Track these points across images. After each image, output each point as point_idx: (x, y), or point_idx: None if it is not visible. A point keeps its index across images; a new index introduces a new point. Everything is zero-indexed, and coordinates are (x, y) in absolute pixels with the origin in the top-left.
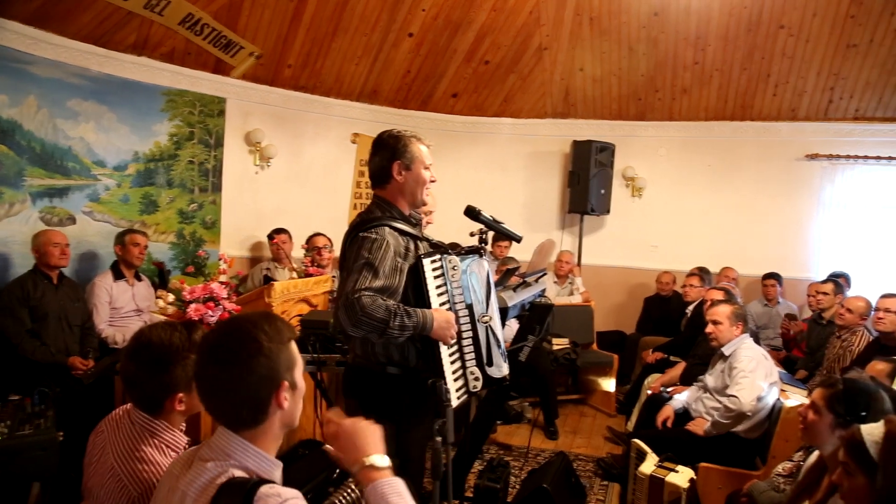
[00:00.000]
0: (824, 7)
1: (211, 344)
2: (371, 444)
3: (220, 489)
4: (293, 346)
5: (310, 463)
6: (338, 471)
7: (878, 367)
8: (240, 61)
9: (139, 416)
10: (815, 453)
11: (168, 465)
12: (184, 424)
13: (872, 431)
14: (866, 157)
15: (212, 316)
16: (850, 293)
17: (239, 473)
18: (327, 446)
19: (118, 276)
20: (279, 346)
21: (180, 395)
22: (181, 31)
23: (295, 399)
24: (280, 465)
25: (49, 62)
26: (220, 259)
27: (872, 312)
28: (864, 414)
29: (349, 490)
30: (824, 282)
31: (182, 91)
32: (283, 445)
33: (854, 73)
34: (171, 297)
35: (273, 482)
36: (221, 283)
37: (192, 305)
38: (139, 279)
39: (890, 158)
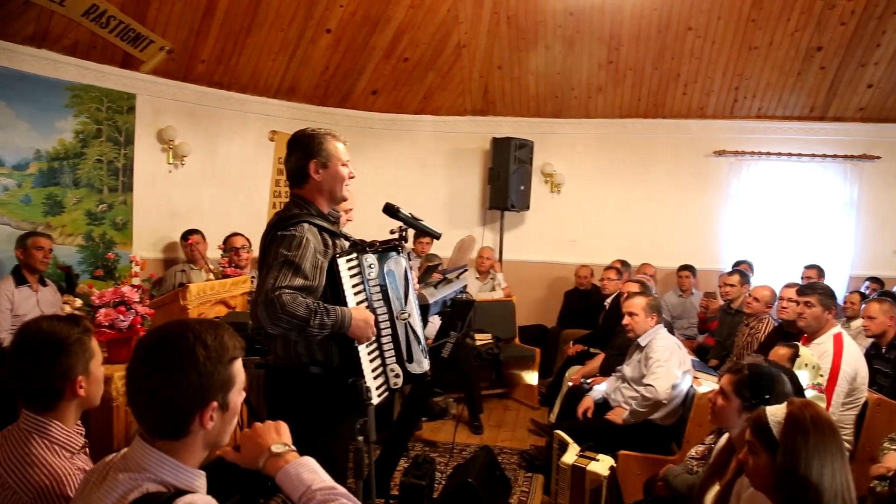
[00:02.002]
0: (728, 11)
1: (148, 343)
2: (269, 437)
3: None
4: (236, 365)
5: (240, 472)
6: (270, 481)
7: (781, 352)
8: (150, 56)
9: (27, 418)
10: (725, 436)
11: (61, 466)
12: (80, 425)
13: (776, 412)
14: (769, 154)
15: (123, 321)
16: (753, 280)
17: (154, 488)
18: (225, 450)
19: (20, 281)
20: (217, 364)
21: (80, 377)
22: (85, 22)
23: (224, 420)
24: (202, 474)
25: None
26: (131, 261)
27: (777, 301)
28: (767, 397)
29: (280, 501)
30: (730, 273)
31: (88, 86)
32: (211, 453)
33: (756, 73)
34: (78, 303)
35: (193, 492)
36: (133, 286)
37: (102, 310)
38: (44, 284)
39: (790, 154)
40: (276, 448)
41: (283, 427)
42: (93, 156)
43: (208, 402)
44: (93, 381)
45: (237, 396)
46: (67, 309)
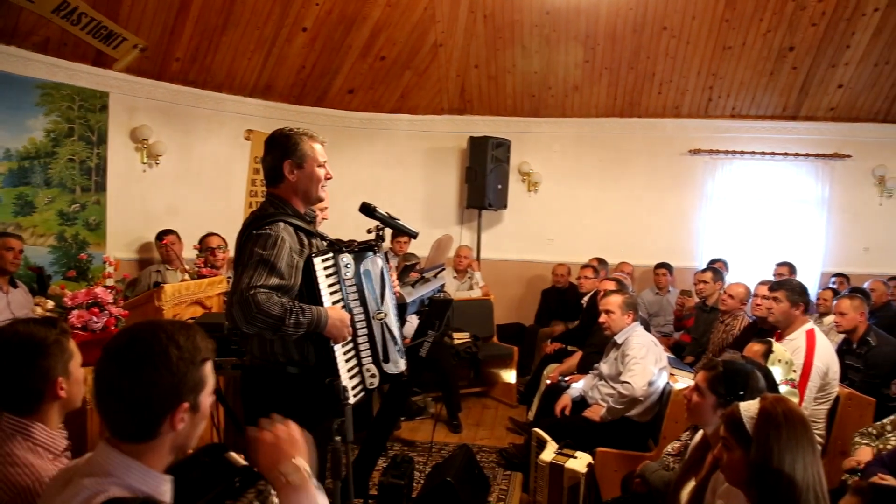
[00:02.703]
0: (702, 11)
1: (119, 342)
2: (289, 451)
3: None
4: (207, 366)
5: (208, 473)
6: (238, 481)
7: (755, 348)
8: (122, 54)
9: (8, 421)
10: (700, 433)
11: (43, 466)
12: (63, 429)
13: (749, 408)
14: (742, 153)
15: (96, 322)
16: (728, 278)
17: (119, 492)
18: (231, 453)
19: None
20: (189, 365)
21: (60, 378)
22: (55, 19)
23: (194, 422)
24: (169, 479)
25: None
26: (104, 262)
27: (751, 298)
28: (742, 393)
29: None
30: (704, 271)
31: (59, 84)
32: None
33: (730, 73)
34: (50, 304)
35: (158, 499)
36: (107, 287)
37: (75, 312)
38: (14, 286)
39: (763, 153)
40: (293, 477)
41: (303, 439)
42: (65, 155)
43: (179, 403)
44: (73, 381)
45: (207, 398)
46: (39, 311)
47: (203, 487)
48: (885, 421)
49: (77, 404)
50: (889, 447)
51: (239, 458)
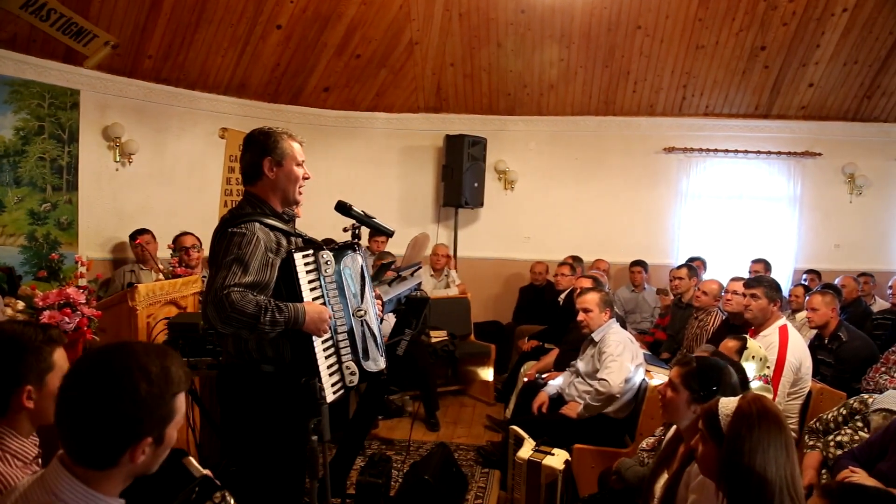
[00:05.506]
0: (675, 10)
1: (88, 365)
2: None
3: None
4: (178, 399)
5: (164, 479)
6: (198, 488)
7: (729, 344)
8: (93, 51)
9: None
10: (674, 427)
11: (12, 475)
12: (35, 436)
13: (727, 404)
14: (716, 151)
15: (68, 323)
16: (705, 275)
17: None
18: (190, 458)
19: None
20: (159, 398)
21: (29, 387)
22: (23, 15)
23: (156, 453)
24: (121, 502)
25: None
26: (76, 262)
27: (723, 294)
28: (715, 388)
29: None
30: (679, 267)
31: (28, 81)
32: None
33: (703, 72)
34: (20, 305)
35: None
36: (79, 287)
37: (46, 312)
38: None
39: (736, 151)
40: None
41: None
42: (35, 153)
43: (143, 437)
44: (46, 395)
45: (174, 430)
46: (9, 312)
47: (160, 495)
48: (828, 417)
49: (49, 420)
50: (840, 440)
51: (198, 466)
